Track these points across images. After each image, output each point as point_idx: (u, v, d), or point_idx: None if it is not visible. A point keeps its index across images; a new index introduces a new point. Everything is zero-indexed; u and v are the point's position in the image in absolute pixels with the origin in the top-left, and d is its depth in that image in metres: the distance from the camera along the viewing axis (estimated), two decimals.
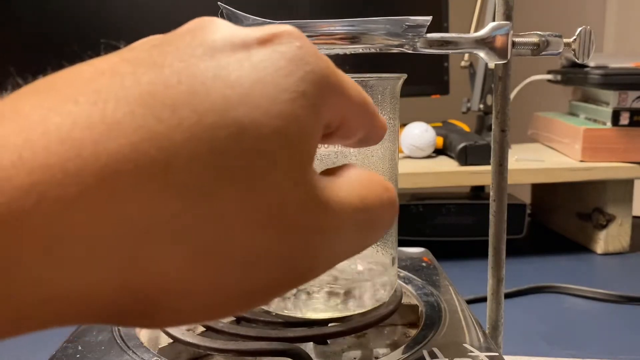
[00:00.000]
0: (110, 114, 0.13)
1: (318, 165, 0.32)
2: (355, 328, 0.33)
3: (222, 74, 0.15)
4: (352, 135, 0.20)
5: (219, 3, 0.32)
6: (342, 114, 0.19)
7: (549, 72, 0.98)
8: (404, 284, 0.42)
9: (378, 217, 0.18)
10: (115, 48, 0.15)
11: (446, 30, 0.96)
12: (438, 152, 0.90)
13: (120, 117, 0.13)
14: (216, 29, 0.16)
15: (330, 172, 0.19)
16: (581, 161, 0.83)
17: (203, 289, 0.14)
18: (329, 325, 0.34)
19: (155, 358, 0.31)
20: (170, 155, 0.13)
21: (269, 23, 0.33)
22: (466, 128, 0.93)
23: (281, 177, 0.15)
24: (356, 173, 0.19)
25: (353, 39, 0.33)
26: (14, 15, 0.93)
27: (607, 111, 0.83)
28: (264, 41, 0.16)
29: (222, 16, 0.32)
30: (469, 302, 0.57)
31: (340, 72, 0.18)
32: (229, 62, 0.15)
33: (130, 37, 0.20)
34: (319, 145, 0.32)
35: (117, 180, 0.13)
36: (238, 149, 0.14)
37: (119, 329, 0.35)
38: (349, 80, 0.19)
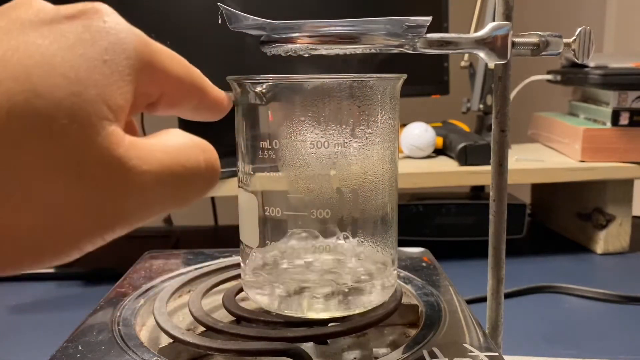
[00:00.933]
0: None
1: (318, 166, 0.33)
2: (355, 328, 0.34)
3: (26, 47, 0.17)
4: (176, 105, 0.23)
5: (218, 4, 0.32)
6: (161, 85, 0.21)
7: (549, 72, 0.98)
8: (404, 284, 0.42)
9: (193, 176, 0.20)
10: None
11: (446, 30, 0.96)
12: (438, 152, 0.90)
13: None
14: (28, 7, 0.18)
15: (151, 136, 0.20)
16: (581, 161, 0.83)
17: (10, 232, 0.16)
18: (329, 325, 0.34)
19: (155, 358, 0.31)
20: None
21: (270, 23, 0.33)
22: (466, 128, 0.93)
23: (79, 133, 0.17)
24: (175, 136, 0.20)
25: (353, 39, 0.33)
26: None
27: (607, 111, 0.83)
28: (72, 17, 0.18)
29: (222, 16, 0.32)
30: (469, 302, 0.57)
31: (157, 47, 0.20)
32: (36, 36, 0.17)
33: None
34: (320, 146, 0.32)
35: None
36: (34, 111, 0.16)
37: (119, 329, 0.35)
38: (169, 55, 0.21)
